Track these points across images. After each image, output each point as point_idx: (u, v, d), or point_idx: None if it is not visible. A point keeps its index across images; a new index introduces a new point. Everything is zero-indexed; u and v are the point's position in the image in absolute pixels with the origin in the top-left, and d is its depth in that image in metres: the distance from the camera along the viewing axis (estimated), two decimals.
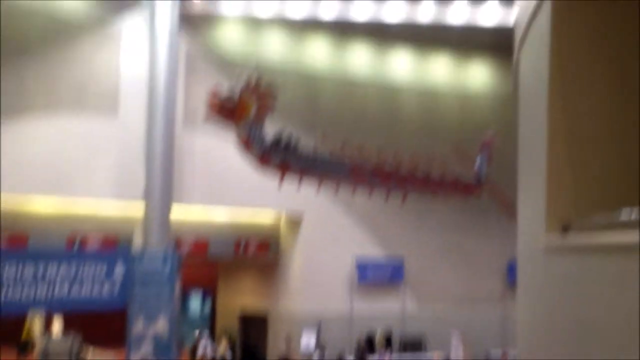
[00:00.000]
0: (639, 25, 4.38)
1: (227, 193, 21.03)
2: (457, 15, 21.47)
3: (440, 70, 24.90)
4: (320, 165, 14.81)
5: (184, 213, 20.53)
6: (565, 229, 4.06)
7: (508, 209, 18.56)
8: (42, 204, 18.38)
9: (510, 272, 23.90)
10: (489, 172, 18.72)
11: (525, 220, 5.52)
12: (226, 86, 13.79)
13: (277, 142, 14.07)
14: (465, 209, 23.51)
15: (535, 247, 4.54)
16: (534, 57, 5.17)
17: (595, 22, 4.46)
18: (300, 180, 16.09)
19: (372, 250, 23.30)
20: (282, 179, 15.06)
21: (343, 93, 23.39)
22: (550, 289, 4.20)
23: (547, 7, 4.58)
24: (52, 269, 15.82)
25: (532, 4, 5.00)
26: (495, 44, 24.06)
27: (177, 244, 20.23)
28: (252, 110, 13.49)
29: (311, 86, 22.83)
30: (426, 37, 23.95)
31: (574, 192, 4.35)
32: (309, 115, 22.40)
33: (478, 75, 25.48)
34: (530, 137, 5.19)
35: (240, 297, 24.51)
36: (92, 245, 18.69)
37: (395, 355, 21.78)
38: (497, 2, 20.84)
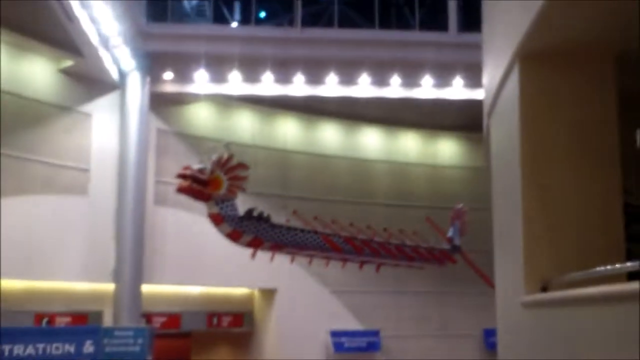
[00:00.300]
0: (609, 82, 4.56)
1: (199, 273, 21.03)
2: (424, 95, 21.87)
3: (410, 146, 25.48)
4: (292, 238, 14.81)
5: (155, 287, 20.43)
6: (544, 288, 4.11)
7: (481, 275, 18.67)
8: (10, 282, 17.96)
9: (487, 336, 23.99)
10: (461, 241, 18.81)
11: (503, 282, 5.56)
12: (197, 163, 13.90)
13: (248, 217, 14.06)
14: (440, 277, 23.45)
15: (514, 305, 4.57)
16: (505, 121, 5.29)
17: (564, 82, 4.60)
18: (273, 254, 16.21)
19: (348, 321, 23.23)
20: (254, 254, 15.03)
21: (314, 168, 23.74)
22: (530, 342, 4.23)
23: (515, 72, 4.72)
24: (19, 348, 15.39)
25: (500, 71, 5.15)
26: (462, 122, 24.82)
27: (148, 319, 20.01)
28: (224, 186, 13.56)
29: (282, 163, 23.14)
30: (395, 115, 24.58)
31: (550, 253, 4.39)
32: (280, 190, 22.56)
33: (446, 150, 26.09)
34: (505, 202, 5.26)
35: None
36: (61, 322, 18.29)
37: None
38: (462, 82, 21.32)
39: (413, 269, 20.33)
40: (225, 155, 13.71)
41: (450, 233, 18.64)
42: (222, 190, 13.52)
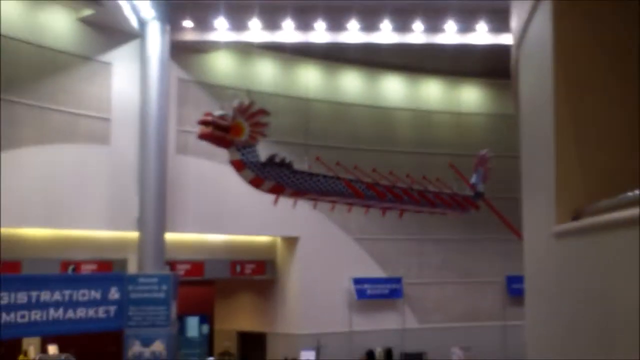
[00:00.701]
0: None
1: (221, 221, 21.14)
2: (448, 40, 21.44)
3: (433, 93, 25.25)
4: (314, 185, 14.65)
5: (178, 235, 20.55)
6: (576, 217, 4.12)
7: (505, 222, 18.54)
8: (35, 231, 18.16)
9: (510, 283, 24.13)
10: (485, 188, 18.64)
11: (532, 216, 5.61)
12: (219, 109, 13.74)
13: (270, 163, 13.93)
14: (462, 225, 23.60)
15: (545, 236, 4.61)
16: (536, 55, 5.19)
17: (599, 12, 4.49)
18: (295, 201, 16.17)
19: (370, 268, 23.32)
20: (276, 200, 14.95)
21: (336, 117, 23.60)
22: (561, 272, 4.30)
23: (546, 5, 4.59)
24: (46, 294, 15.63)
25: (530, 5, 5.00)
26: (486, 68, 24.64)
27: (172, 266, 20.11)
28: (245, 132, 13.39)
29: (303, 111, 23.00)
30: (417, 62, 24.40)
31: (582, 183, 4.39)
32: (301, 138, 22.45)
33: (470, 97, 25.83)
34: (536, 133, 5.19)
35: (238, 319, 24.41)
36: (86, 270, 18.50)
37: None
38: (486, 27, 20.86)
39: (436, 216, 20.52)
40: (247, 102, 13.53)
41: (473, 179, 18.43)
42: (244, 137, 13.36)
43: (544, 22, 4.78)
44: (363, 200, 15.75)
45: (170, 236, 19.79)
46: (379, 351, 22.34)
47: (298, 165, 14.68)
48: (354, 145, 23.19)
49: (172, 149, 20.29)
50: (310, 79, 23.38)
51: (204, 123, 13.10)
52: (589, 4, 4.58)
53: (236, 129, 13.27)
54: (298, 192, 14.60)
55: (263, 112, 13.62)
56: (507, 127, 25.04)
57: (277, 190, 14.29)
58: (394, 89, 24.74)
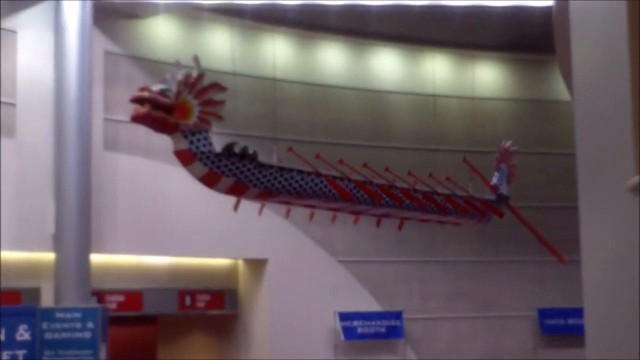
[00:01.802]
0: None
1: (165, 239, 20.87)
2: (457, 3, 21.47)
3: (439, 72, 25.26)
4: (287, 183, 14.17)
5: (109, 257, 20.44)
6: None
7: (537, 236, 18.30)
8: None
9: (543, 317, 24.26)
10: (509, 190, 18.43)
11: (595, 182, 6.06)
12: (158, 83, 13.29)
13: (228, 154, 13.46)
14: (479, 241, 23.68)
15: (619, 193, 5.07)
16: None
17: None
18: (262, 206, 15.77)
19: (362, 300, 23.22)
20: (237, 204, 14.52)
21: (313, 102, 23.62)
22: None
23: None
24: None
25: None
26: (506, 39, 24.86)
27: (101, 297, 19.87)
28: (194, 113, 12.95)
29: (270, 95, 22.82)
30: (418, 31, 24.36)
31: None
32: (267, 130, 22.14)
33: (486, 76, 25.95)
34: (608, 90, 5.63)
35: None
36: None
37: None
38: None
39: (445, 230, 20.49)
40: (195, 74, 13.09)
41: (495, 179, 18.12)
42: (192, 119, 12.89)
43: None
44: (351, 205, 15.34)
45: (97, 258, 19.54)
46: None
47: (265, 159, 14.27)
48: (335, 140, 23.05)
49: (98, 144, 20.00)
50: (278, 53, 23.14)
51: (138, 100, 12.62)
52: None
53: (182, 109, 12.84)
54: (265, 193, 14.15)
55: (217, 86, 13.26)
56: (533, 116, 25.12)
57: (238, 190, 13.82)
58: (387, 66, 24.70)
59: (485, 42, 25.24)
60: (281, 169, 14.20)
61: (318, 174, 14.66)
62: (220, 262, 22.97)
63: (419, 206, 16.10)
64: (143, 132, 20.37)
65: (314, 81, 23.72)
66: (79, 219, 18.99)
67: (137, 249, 20.83)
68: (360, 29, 23.78)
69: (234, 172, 13.52)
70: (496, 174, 18.19)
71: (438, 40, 24.85)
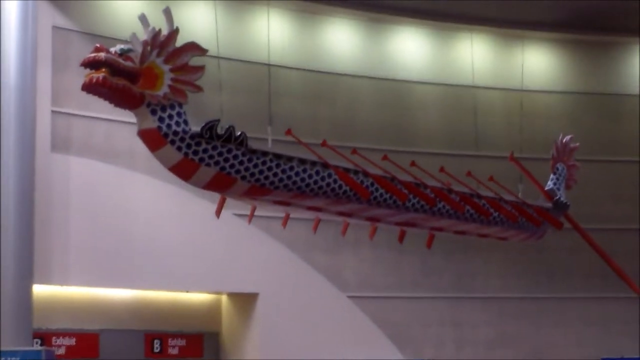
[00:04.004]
0: None
1: (128, 268, 20.81)
2: None
3: (474, 56, 25.13)
4: (285, 175, 13.75)
5: (56, 290, 20.35)
6: None
7: (602, 255, 18.07)
8: None
9: None
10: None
11: None
12: (120, 45, 12.87)
13: (209, 135, 12.98)
14: (529, 271, 23.61)
15: None
16: None
17: None
18: (252, 212, 15.31)
19: (379, 346, 22.90)
20: (220, 206, 14.14)
21: (316, 92, 23.73)
22: None
23: None
24: None
25: None
26: (560, 16, 24.87)
27: (46, 340, 19.80)
28: (164, 82, 12.53)
29: (263, 82, 22.41)
30: (448, 5, 24.37)
31: None
32: (259, 128, 21.78)
33: (535, 62, 25.91)
34: None
35: None
36: None
37: None
38: None
39: (484, 258, 21.23)
40: (165, 31, 12.70)
41: (550, 183, 17.91)
42: (162, 89, 12.44)
43: None
44: (368, 208, 14.92)
45: (41, 290, 19.40)
46: None
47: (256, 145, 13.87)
48: (344, 142, 22.54)
49: (43, 144, 19.88)
50: (273, 32, 23.03)
51: (92, 64, 12.15)
52: None
53: (149, 76, 12.47)
54: (257, 188, 13.68)
55: (194, 47, 12.90)
56: (595, 113, 24.96)
57: (222, 184, 13.36)
58: (411, 49, 24.77)
59: (536, 19, 25.28)
60: (278, 156, 13.73)
61: (326, 165, 14.28)
62: (199, 297, 22.78)
63: (456, 211, 15.68)
64: (102, 129, 20.47)
65: (317, 67, 23.77)
66: (19, 240, 18.79)
67: (92, 280, 20.68)
68: (376, 2, 23.87)
69: (216, 159, 13.07)
70: (552, 176, 18.00)
71: (477, 17, 24.87)
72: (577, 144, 18.41)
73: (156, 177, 19.59)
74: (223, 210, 14.53)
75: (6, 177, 18.64)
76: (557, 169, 18.08)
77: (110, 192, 20.50)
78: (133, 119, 12.55)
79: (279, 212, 15.71)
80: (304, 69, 23.60)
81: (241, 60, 22.82)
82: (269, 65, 22.49)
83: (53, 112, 20.19)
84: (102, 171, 20.43)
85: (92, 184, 20.46)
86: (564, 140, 18.34)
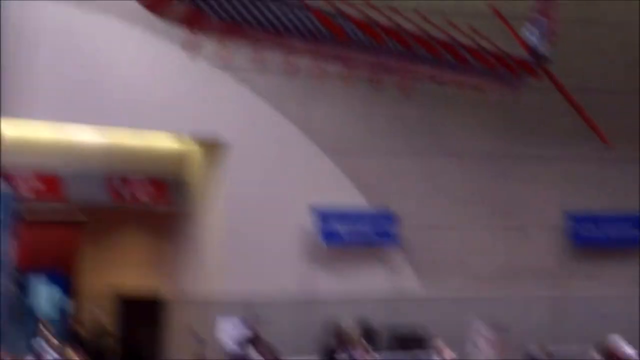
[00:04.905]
0: None
1: (95, 104, 20.70)
2: None
3: None
4: (260, 14, 13.86)
5: (21, 126, 20.26)
6: None
7: (575, 107, 18.38)
8: None
9: (575, 225, 24.26)
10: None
11: None
12: None
13: None
14: (502, 128, 23.46)
15: None
16: None
17: None
18: (226, 45, 14.95)
19: (346, 194, 22.99)
20: (192, 43, 13.87)
21: None
22: None
23: None
24: None
25: None
26: None
27: (9, 178, 19.66)
28: None
29: None
30: None
31: None
32: None
33: None
34: None
35: (120, 273, 24.21)
36: None
37: (381, 355, 21.45)
38: None
39: (457, 116, 20.88)
40: None
41: (529, 34, 17.94)
42: None
43: None
44: (343, 48, 15.09)
45: (6, 126, 19.37)
46: (349, 325, 21.65)
47: None
48: None
49: None
50: None
51: None
52: None
53: None
54: (231, 25, 13.79)
55: None
56: None
57: (193, 19, 13.66)
58: None
59: None
60: None
61: (304, 6, 14.35)
62: (167, 145, 22.73)
63: (433, 55, 15.79)
64: None
65: None
66: None
67: (59, 115, 20.48)
68: None
69: None
70: (531, 26, 18.02)
71: None
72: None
73: (129, 20, 19.60)
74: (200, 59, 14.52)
75: None
76: (538, 21, 18.17)
77: (79, 26, 20.35)
78: None
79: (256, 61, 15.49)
80: None
81: None
82: None
83: None
84: (71, 10, 20.23)
85: (61, 23, 20.30)
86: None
